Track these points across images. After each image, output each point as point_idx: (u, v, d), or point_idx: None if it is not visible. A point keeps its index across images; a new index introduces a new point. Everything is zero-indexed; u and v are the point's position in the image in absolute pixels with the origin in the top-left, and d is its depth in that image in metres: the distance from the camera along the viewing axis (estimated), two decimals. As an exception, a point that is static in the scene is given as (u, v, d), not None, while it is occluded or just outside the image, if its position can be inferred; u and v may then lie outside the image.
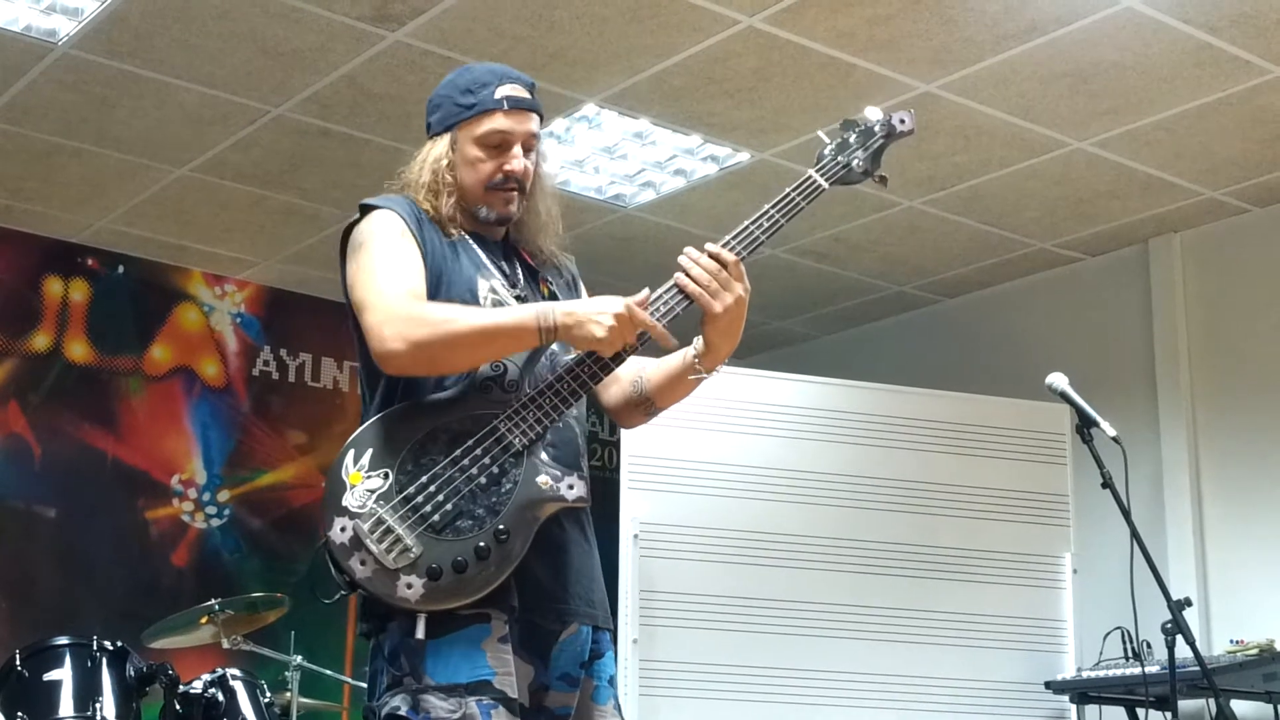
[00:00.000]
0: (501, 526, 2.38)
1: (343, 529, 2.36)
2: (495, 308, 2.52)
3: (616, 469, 5.22)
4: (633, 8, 4.41)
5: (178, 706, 4.52)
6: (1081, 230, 6.04)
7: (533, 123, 2.63)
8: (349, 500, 2.37)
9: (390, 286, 2.46)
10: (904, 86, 4.83)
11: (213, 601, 4.96)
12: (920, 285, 6.73)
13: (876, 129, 2.66)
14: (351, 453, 2.42)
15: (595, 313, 2.42)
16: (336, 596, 2.42)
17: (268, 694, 4.74)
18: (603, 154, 5.47)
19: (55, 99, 5.05)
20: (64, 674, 4.37)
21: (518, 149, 2.61)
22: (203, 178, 5.65)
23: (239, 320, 6.79)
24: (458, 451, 2.41)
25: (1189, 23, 4.44)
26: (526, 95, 2.63)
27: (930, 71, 4.76)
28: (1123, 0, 4.34)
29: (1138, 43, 4.56)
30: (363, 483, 2.39)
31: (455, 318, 2.43)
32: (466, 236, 2.62)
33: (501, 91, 2.60)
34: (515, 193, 2.62)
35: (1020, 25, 4.48)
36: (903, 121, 2.68)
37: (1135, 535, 3.57)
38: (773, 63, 4.71)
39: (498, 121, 2.59)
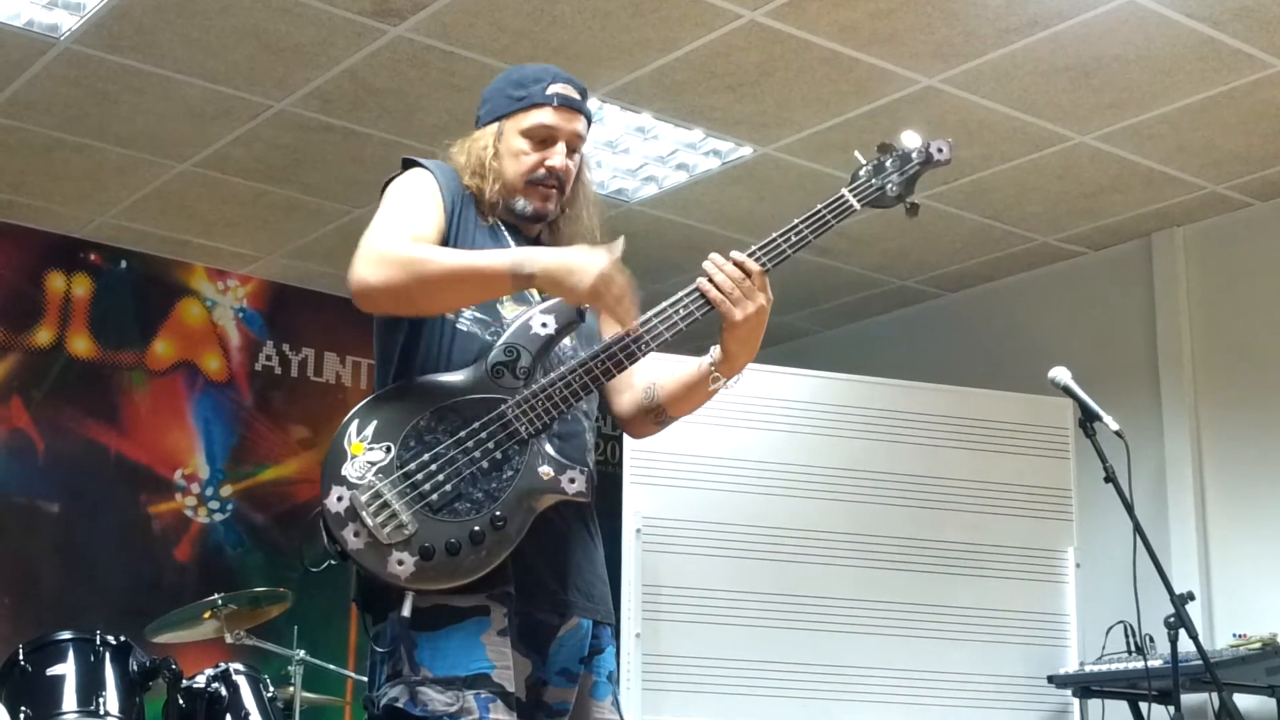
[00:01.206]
0: (499, 513, 2.38)
1: (339, 498, 2.35)
2: (477, 251, 2.49)
3: (619, 464, 5.22)
4: (635, 2, 4.40)
5: (181, 701, 4.53)
6: (1084, 224, 6.03)
7: (579, 124, 2.66)
8: (348, 470, 2.37)
9: (389, 229, 2.46)
10: (906, 80, 4.83)
11: (216, 596, 4.97)
12: (923, 279, 6.73)
13: (914, 156, 2.65)
14: (355, 423, 2.41)
15: (578, 264, 2.39)
16: (324, 565, 2.43)
17: (271, 688, 4.74)
18: (605, 149, 5.47)
19: (57, 94, 5.05)
20: (67, 669, 4.37)
21: (561, 146, 2.63)
22: (205, 172, 5.65)
23: (241, 315, 6.80)
24: (463, 433, 2.40)
25: (1191, 16, 4.43)
26: (576, 97, 2.66)
27: (932, 66, 4.75)
28: (1125, -6, 4.34)
29: (1140, 36, 4.55)
30: (364, 454, 2.38)
31: (430, 257, 2.42)
32: (501, 225, 2.63)
33: (553, 89, 2.64)
34: (554, 190, 2.64)
35: (1022, 19, 4.47)
36: (940, 150, 2.68)
37: (1138, 529, 3.57)
38: (775, 57, 4.70)
39: (545, 116, 2.62)
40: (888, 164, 2.64)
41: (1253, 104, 4.96)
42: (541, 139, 2.62)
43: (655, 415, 2.70)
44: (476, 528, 2.36)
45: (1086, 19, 4.46)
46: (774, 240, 2.51)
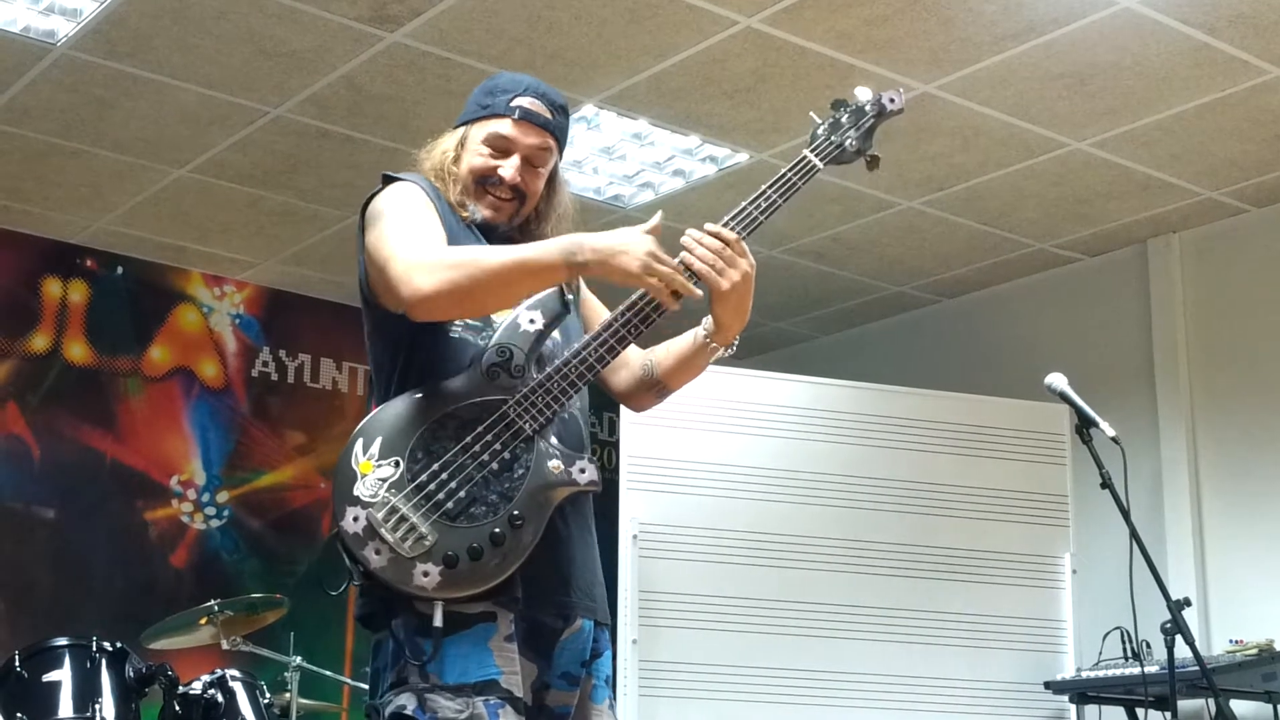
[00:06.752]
0: (516, 512, 2.38)
1: (355, 518, 2.35)
2: (522, 245, 2.50)
3: (616, 469, 5.22)
4: (631, 9, 4.41)
5: (177, 707, 4.52)
6: (1080, 230, 6.04)
7: (541, 139, 2.64)
8: (360, 489, 2.36)
9: (412, 239, 2.45)
10: (902, 87, 4.83)
11: (212, 602, 4.96)
12: (919, 286, 6.73)
13: (867, 108, 2.66)
14: (360, 441, 2.40)
15: (625, 245, 2.45)
16: (344, 587, 2.42)
17: (267, 695, 4.74)
18: (601, 155, 5.47)
19: (54, 100, 5.05)
20: (63, 675, 4.37)
21: (515, 158, 2.62)
22: (201, 178, 5.65)
23: (238, 321, 6.79)
24: (469, 438, 2.40)
25: (1187, 23, 4.44)
26: (543, 113, 2.65)
27: (928, 72, 4.76)
28: (1120, 1, 4.34)
29: (1135, 43, 4.56)
30: (374, 471, 2.37)
31: (481, 256, 2.42)
32: (471, 226, 2.63)
33: (517, 101, 2.63)
34: (504, 201, 2.63)
35: (1018, 26, 4.48)
36: (892, 100, 2.69)
37: (1134, 535, 3.57)
38: (771, 63, 4.71)
39: (503, 127, 2.62)
40: (844, 120, 2.64)
41: (1248, 110, 4.97)
42: (500, 149, 2.62)
43: (656, 389, 2.72)
44: (496, 529, 2.36)
45: (1082, 25, 4.47)
46: (745, 208, 2.52)
